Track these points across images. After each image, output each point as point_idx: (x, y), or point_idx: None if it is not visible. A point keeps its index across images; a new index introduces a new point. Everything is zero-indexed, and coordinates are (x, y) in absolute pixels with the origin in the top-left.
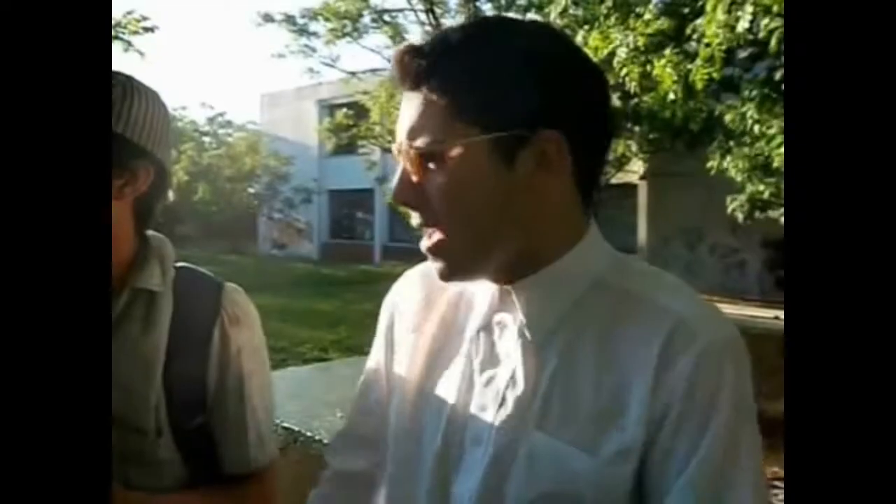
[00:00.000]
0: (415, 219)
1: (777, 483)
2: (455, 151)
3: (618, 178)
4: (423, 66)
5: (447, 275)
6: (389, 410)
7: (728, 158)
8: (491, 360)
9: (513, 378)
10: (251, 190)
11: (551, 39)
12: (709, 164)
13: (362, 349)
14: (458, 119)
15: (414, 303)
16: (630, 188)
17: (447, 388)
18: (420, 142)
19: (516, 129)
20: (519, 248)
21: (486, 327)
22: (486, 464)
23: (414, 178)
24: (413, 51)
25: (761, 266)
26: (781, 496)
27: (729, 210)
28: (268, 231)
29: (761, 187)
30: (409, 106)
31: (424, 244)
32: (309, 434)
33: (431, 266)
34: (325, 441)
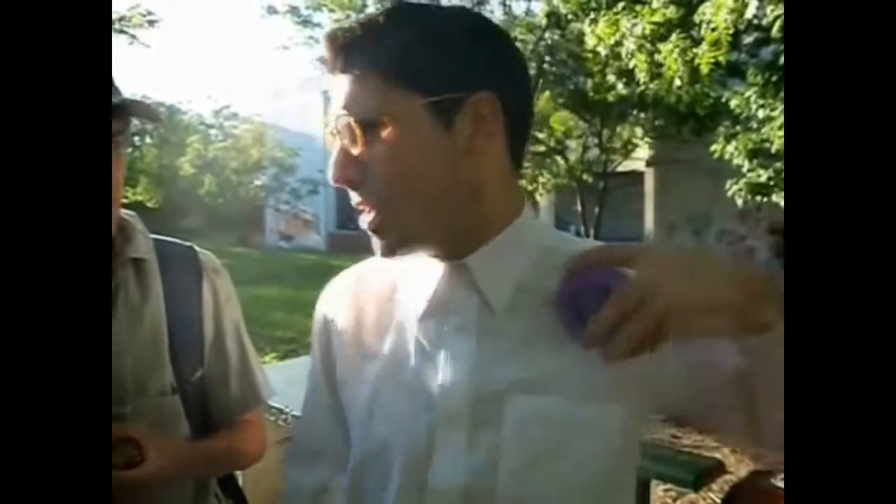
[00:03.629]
0: (354, 198)
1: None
2: (394, 119)
3: (624, 166)
4: (354, 39)
5: (391, 250)
6: (349, 417)
7: (732, 143)
8: (448, 339)
9: (479, 352)
10: (258, 182)
11: (468, 11)
12: (711, 148)
13: None
14: (394, 88)
15: (346, 308)
16: (636, 175)
17: (404, 379)
18: (358, 112)
19: (451, 92)
20: (468, 216)
21: (436, 309)
22: (468, 443)
23: (354, 152)
24: (342, 29)
25: (769, 253)
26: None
27: (728, 194)
28: (275, 223)
29: (760, 171)
30: (344, 83)
31: (365, 222)
32: None
33: (359, 267)
34: None
